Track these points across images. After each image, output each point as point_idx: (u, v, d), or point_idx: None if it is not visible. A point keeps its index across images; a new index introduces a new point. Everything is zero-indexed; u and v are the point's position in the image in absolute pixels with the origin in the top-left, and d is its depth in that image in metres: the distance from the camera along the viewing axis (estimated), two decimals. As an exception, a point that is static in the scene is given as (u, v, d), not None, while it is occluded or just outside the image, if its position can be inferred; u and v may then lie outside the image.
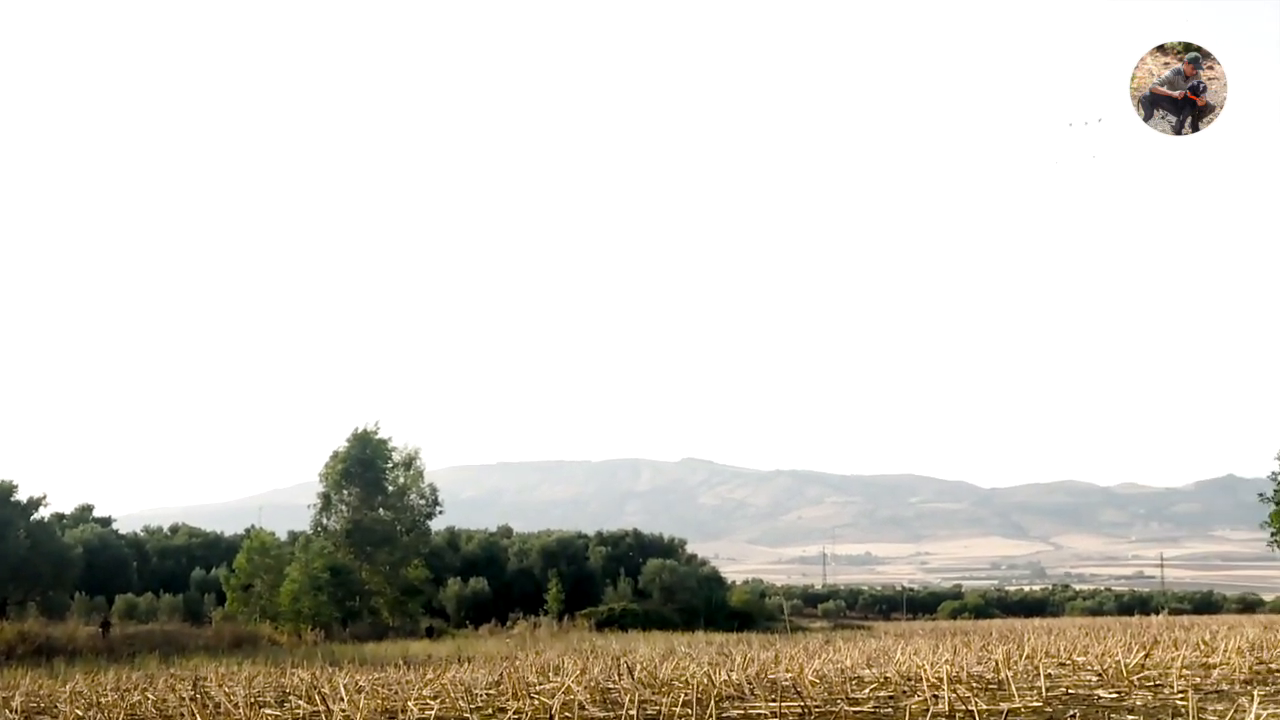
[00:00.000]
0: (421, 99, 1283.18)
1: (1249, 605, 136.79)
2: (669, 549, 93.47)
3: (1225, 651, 14.83)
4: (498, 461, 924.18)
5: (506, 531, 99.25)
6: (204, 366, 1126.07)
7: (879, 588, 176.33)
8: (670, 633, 56.44)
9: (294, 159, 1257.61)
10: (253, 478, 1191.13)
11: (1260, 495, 51.78)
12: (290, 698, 13.34)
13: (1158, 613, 79.36)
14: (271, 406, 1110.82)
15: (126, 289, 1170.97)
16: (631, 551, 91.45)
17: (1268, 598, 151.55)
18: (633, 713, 9.56)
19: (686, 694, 10.44)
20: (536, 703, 10.65)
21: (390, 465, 65.35)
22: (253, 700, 12.83)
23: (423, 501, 66.69)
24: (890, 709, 9.76)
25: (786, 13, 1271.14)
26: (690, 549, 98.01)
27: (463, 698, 11.55)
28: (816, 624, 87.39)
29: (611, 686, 12.44)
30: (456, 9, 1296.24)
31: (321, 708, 10.94)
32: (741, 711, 9.70)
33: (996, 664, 13.72)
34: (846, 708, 9.81)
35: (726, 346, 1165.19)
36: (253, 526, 77.78)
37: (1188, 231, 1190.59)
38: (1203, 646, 17.39)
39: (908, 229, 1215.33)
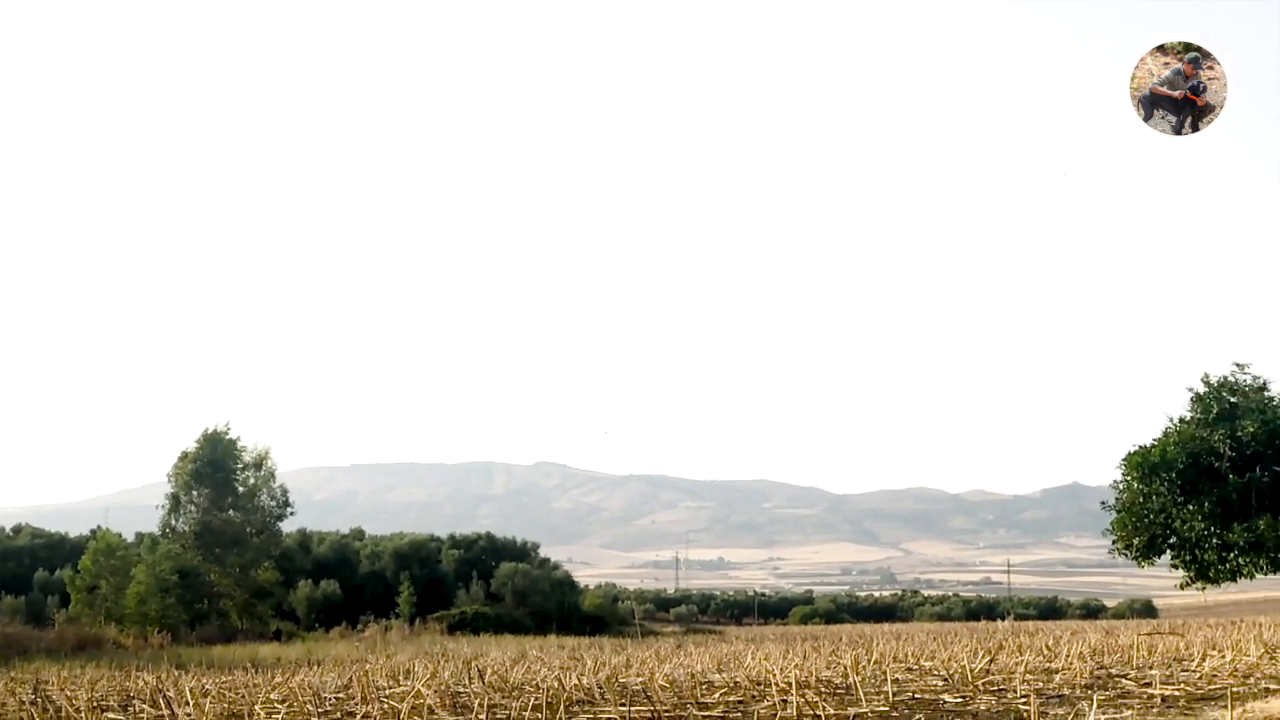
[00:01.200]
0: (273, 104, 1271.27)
1: (1092, 611, 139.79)
2: (522, 552, 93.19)
3: (1067, 657, 15.12)
4: (350, 463, 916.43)
5: (359, 534, 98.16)
6: (49, 363, 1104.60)
7: (731, 593, 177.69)
8: (522, 637, 56.39)
9: (137, 152, 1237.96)
10: (99, 478, 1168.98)
11: (1103, 503, 52.63)
12: (134, 702, 13.10)
13: (1004, 618, 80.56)
14: (118, 405, 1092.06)
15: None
16: (484, 555, 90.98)
17: (1110, 603, 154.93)
18: (482, 717, 9.53)
19: (537, 698, 10.42)
20: (386, 706, 10.57)
21: (241, 466, 64.38)
22: (95, 704, 12.59)
23: (274, 503, 65.68)
24: (739, 713, 9.82)
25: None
26: (544, 553, 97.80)
27: (311, 701, 11.42)
28: (669, 629, 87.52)
29: (462, 690, 12.40)
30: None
31: (166, 712, 10.76)
32: (591, 716, 9.71)
33: (845, 669, 13.87)
34: (696, 712, 9.85)
35: (580, 350, 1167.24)
36: (99, 527, 76.17)
37: (1038, 245, 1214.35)
38: (1046, 652, 17.72)
39: (746, 236, 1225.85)
